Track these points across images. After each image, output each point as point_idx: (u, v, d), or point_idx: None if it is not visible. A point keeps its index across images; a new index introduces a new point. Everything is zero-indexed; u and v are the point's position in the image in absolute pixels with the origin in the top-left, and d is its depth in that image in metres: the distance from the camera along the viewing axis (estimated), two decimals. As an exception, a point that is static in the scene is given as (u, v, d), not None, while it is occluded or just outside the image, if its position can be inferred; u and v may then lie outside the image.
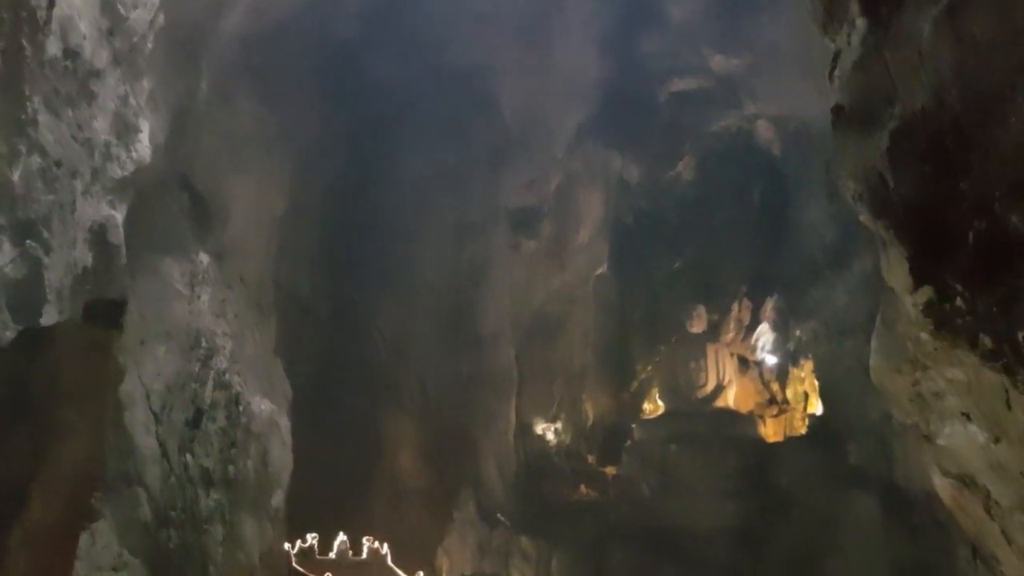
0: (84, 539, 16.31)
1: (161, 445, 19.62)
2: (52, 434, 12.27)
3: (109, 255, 17.72)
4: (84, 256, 17.01)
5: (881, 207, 8.55)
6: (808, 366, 32.66)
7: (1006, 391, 7.78)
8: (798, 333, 33.16)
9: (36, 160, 15.30)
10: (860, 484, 26.87)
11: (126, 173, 18.15)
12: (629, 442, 32.79)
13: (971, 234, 7.70)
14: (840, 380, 29.01)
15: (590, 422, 35.04)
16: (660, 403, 34.97)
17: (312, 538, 25.43)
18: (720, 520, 28.14)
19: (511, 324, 33.01)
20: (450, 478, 31.00)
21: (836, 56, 9.22)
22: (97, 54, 16.94)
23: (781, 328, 34.16)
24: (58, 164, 16.04)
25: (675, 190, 36.29)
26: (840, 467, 28.03)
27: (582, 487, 32.41)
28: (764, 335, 34.77)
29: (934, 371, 9.00)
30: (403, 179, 32.19)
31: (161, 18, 18.58)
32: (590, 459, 34.09)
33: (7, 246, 14.06)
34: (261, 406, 23.18)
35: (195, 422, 20.78)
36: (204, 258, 21.77)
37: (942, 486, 10.20)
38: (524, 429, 32.90)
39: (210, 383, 21.34)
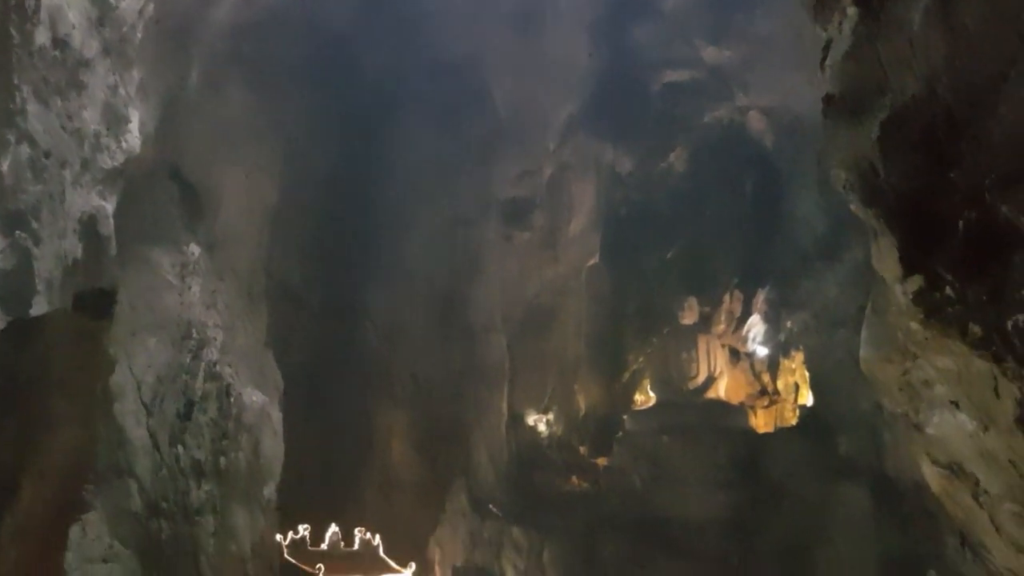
0: (74, 530, 16.27)
1: (152, 436, 19.57)
2: (42, 425, 12.23)
3: (99, 246, 17.70)
4: (74, 247, 16.98)
5: (872, 196, 8.57)
6: (799, 357, 32.71)
7: (995, 379, 7.82)
8: (789, 324, 33.21)
9: (25, 150, 15.25)
10: (850, 475, 26.95)
11: (116, 163, 18.11)
12: (620, 433, 32.82)
13: (961, 224, 7.73)
14: (831, 371, 29.08)
15: (582, 413, 35.05)
16: (651, 394, 35.00)
17: (304, 529, 25.44)
18: (711, 511, 28.20)
19: (503, 315, 33.00)
20: (442, 469, 31.02)
21: (827, 45, 9.23)
22: (87, 44, 16.87)
23: (772, 320, 34.22)
24: (47, 154, 15.99)
25: (667, 181, 36.25)
26: (830, 458, 28.10)
27: (574, 478, 32.42)
28: (755, 326, 34.82)
29: (924, 360, 9.05)
30: (395, 169, 32.15)
31: (151, 7, 18.52)
32: (582, 450, 34.10)
33: (-4, 236, 14.01)
34: (252, 397, 23.14)
35: (186, 413, 20.73)
36: (195, 249, 21.71)
37: (931, 475, 10.27)
38: (516, 420, 32.91)
39: (201, 374, 21.29)
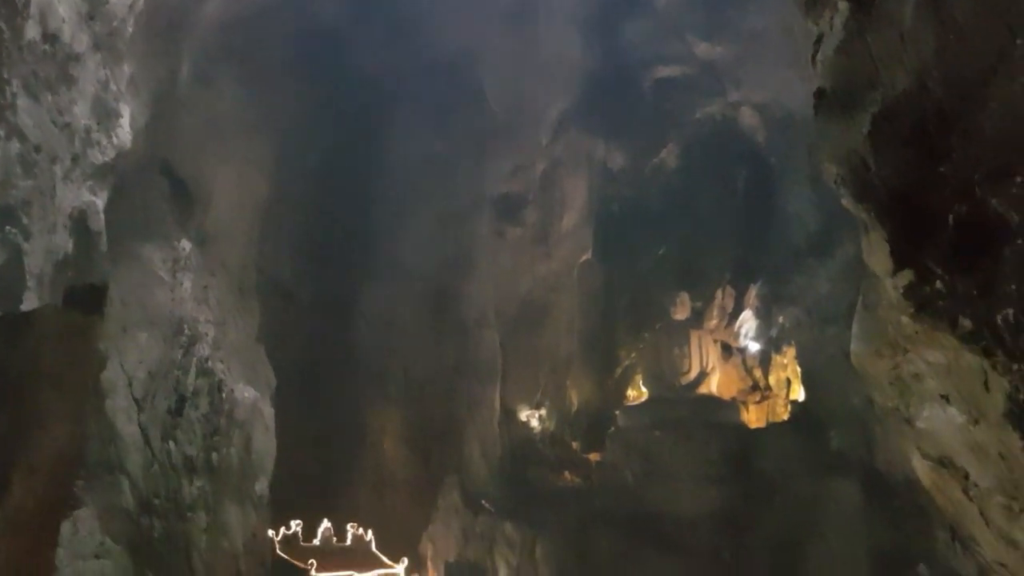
0: (65, 526, 16.22)
1: (143, 432, 19.55)
2: (32, 420, 12.16)
3: (90, 241, 17.65)
4: (64, 242, 16.93)
5: (863, 191, 8.59)
6: (791, 353, 32.77)
7: (985, 373, 7.85)
8: (781, 320, 33.25)
9: (15, 145, 15.20)
10: (842, 470, 27.00)
11: (107, 159, 18.06)
12: (613, 429, 32.85)
13: (952, 217, 7.75)
14: (822, 367, 29.13)
15: (574, 409, 35.06)
16: (644, 389, 35.03)
17: (296, 525, 25.45)
18: (703, 505, 28.22)
19: (496, 311, 33.01)
20: (434, 465, 31.06)
21: (819, 40, 9.24)
22: (77, 38, 16.81)
23: (764, 315, 34.26)
24: (37, 149, 15.93)
25: (659, 177, 36.24)
26: (822, 453, 28.15)
27: (566, 473, 32.45)
28: (747, 322, 34.87)
29: (914, 354, 9.08)
30: (387, 165, 32.13)
31: (141, 2, 18.45)
32: (574, 445, 34.11)
33: (-15, 231, 13.96)
34: (244, 393, 23.11)
35: (178, 409, 20.70)
36: (186, 244, 21.67)
37: (921, 469, 10.30)
38: (509, 416, 32.91)
39: (193, 370, 21.26)
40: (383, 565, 26.55)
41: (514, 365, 33.24)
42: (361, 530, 27.19)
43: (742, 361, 34.83)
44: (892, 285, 8.44)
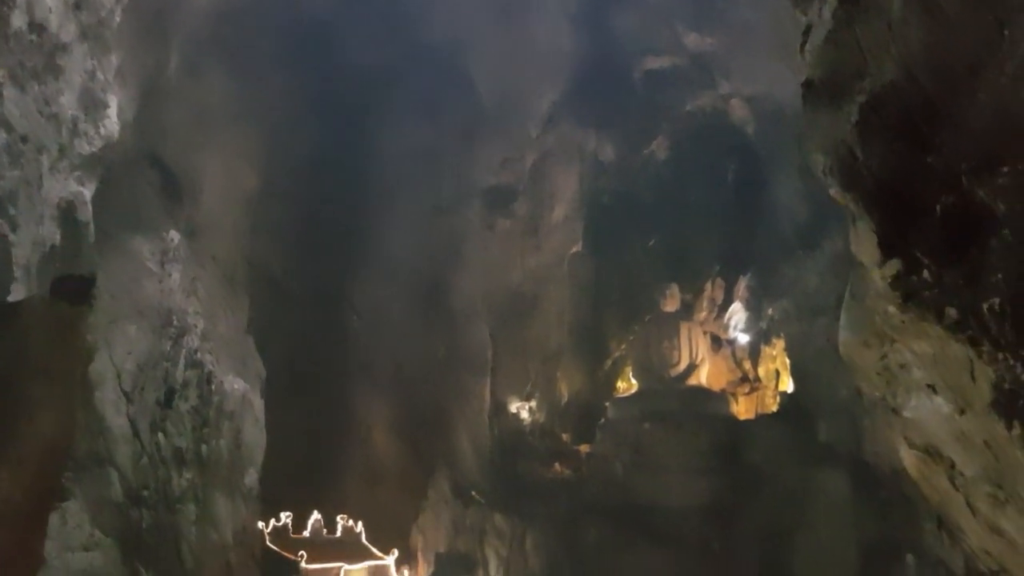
0: (54, 518, 16.18)
1: (132, 424, 19.50)
2: (19, 411, 12.13)
3: (77, 232, 17.55)
4: (52, 233, 16.82)
5: (850, 181, 8.61)
6: (780, 345, 32.86)
7: (971, 362, 7.89)
8: (770, 312, 33.33)
9: (2, 135, 15.11)
10: (830, 461, 27.10)
11: (94, 149, 17.94)
12: (603, 420, 32.91)
13: (939, 208, 7.79)
14: (811, 359, 29.22)
15: (564, 400, 35.11)
16: (634, 381, 35.10)
17: (286, 516, 25.44)
18: (692, 497, 28.32)
19: (486, 303, 32.99)
20: (424, 456, 31.06)
21: (807, 30, 9.24)
22: (64, 28, 16.69)
23: (753, 307, 34.33)
24: (24, 139, 15.83)
25: (649, 169, 36.26)
26: (810, 444, 28.25)
27: (556, 465, 32.51)
28: (737, 314, 34.94)
29: (901, 344, 9.11)
30: (377, 156, 32.01)
31: (129, -9, 18.33)
32: (564, 437, 34.18)
33: (-28, 222, 13.88)
34: (234, 385, 23.06)
35: (167, 401, 20.66)
36: (174, 236, 21.57)
37: (908, 458, 10.36)
38: (499, 408, 32.94)
39: (182, 362, 21.21)
40: (373, 556, 26.57)
41: (504, 357, 33.24)
42: (351, 522, 27.20)
43: (731, 353, 34.91)
44: (879, 275, 8.47)
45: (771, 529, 26.76)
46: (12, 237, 15.32)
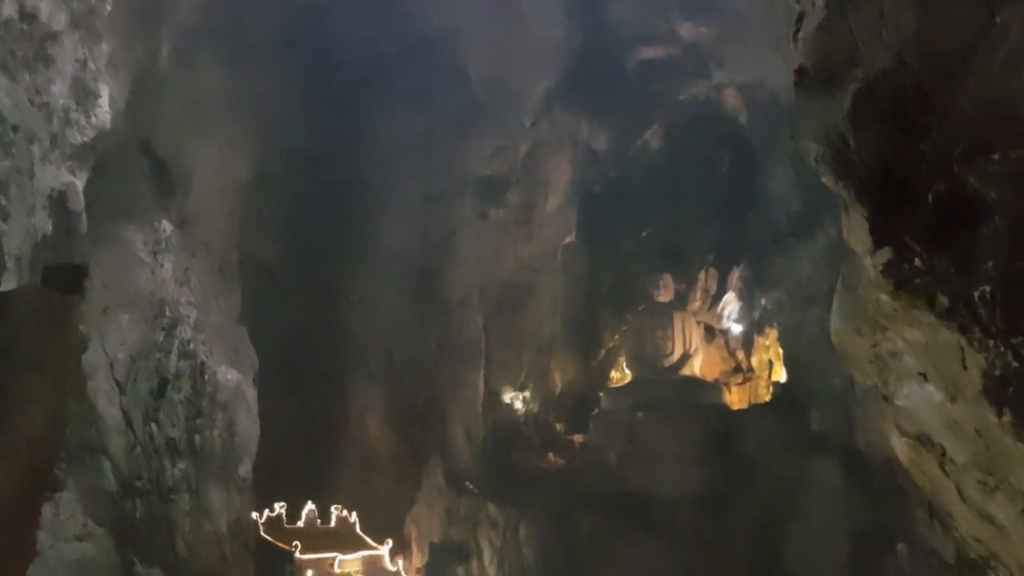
0: (47, 509, 16.15)
1: (125, 415, 19.45)
2: (11, 401, 12.07)
3: (69, 222, 17.46)
4: (44, 223, 16.74)
5: (842, 168, 8.60)
6: (773, 334, 33.00)
7: (962, 350, 7.90)
8: (763, 302, 33.47)
9: (-8, 124, 15.02)
10: (822, 450, 27.26)
11: (86, 139, 17.86)
12: (596, 410, 33.01)
13: (930, 195, 7.78)
14: (804, 348, 29.35)
15: (558, 390, 35.21)
16: (627, 371, 35.21)
17: (280, 507, 25.49)
18: (686, 486, 28.46)
19: (479, 293, 33.03)
20: (418, 446, 31.10)
21: (800, 17, 9.21)
22: (54, 16, 16.59)
23: (747, 297, 34.47)
24: (15, 129, 15.75)
25: (643, 159, 36.29)
26: (803, 434, 28.41)
27: (550, 455, 32.62)
28: (730, 304, 35.06)
29: (893, 332, 9.12)
30: (370, 145, 31.96)
31: (120, -20, 18.22)
32: (558, 427, 34.29)
33: (-37, 212, 13.81)
34: (227, 375, 23.02)
35: (160, 392, 20.60)
36: (167, 225, 21.48)
37: (899, 446, 10.37)
38: (492, 397, 33.01)
39: (174, 352, 21.14)
40: (367, 546, 26.62)
41: (498, 347, 33.30)
42: (345, 512, 27.25)
43: (725, 343, 35.04)
44: (871, 263, 8.47)
45: (764, 518, 26.91)
46: (4, 227, 15.23)
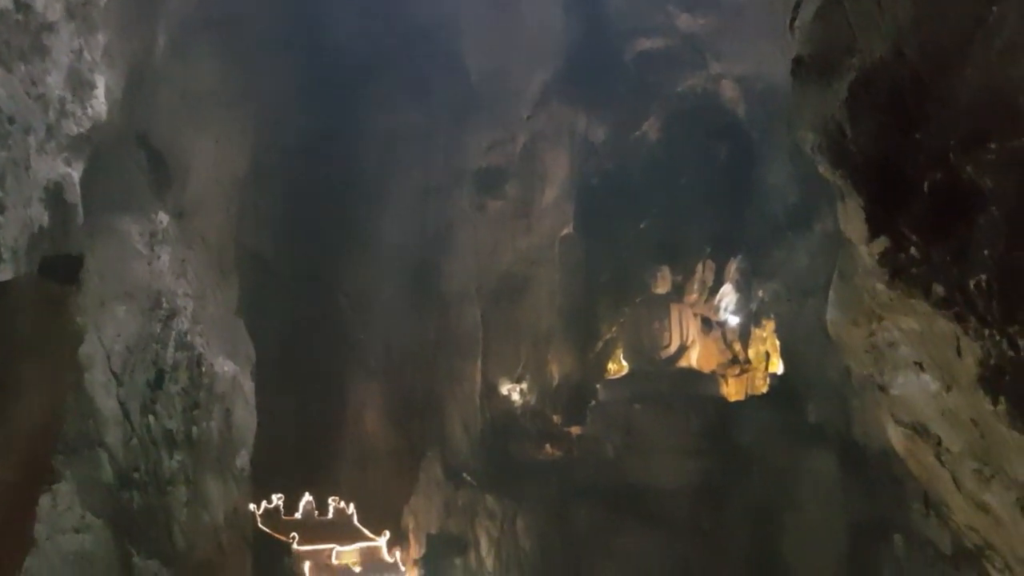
0: (45, 500, 16.19)
1: (122, 406, 19.47)
2: (9, 392, 12.09)
3: (66, 214, 17.40)
4: (40, 215, 16.67)
5: (839, 158, 8.61)
6: (770, 326, 33.00)
7: (957, 339, 7.93)
8: (760, 294, 33.46)
9: (-13, 115, 14.97)
10: (819, 442, 27.26)
11: (82, 130, 17.79)
12: (594, 402, 33.04)
13: (927, 185, 7.80)
14: (801, 340, 29.34)
15: (555, 382, 35.23)
16: (624, 363, 35.22)
17: (278, 499, 25.53)
18: (683, 478, 28.49)
19: (477, 285, 33.01)
20: (416, 438, 31.14)
21: (797, 6, 9.22)
22: (50, 7, 16.51)
23: (744, 289, 34.45)
24: (11, 120, 15.69)
25: (640, 151, 36.23)
26: (800, 425, 28.42)
27: (547, 447, 32.64)
28: (727, 296, 35.05)
29: (889, 321, 9.15)
30: (367, 138, 31.91)
31: (115, -30, 18.14)
32: (555, 419, 34.30)
33: (-41, 203, 13.78)
34: (224, 367, 23.04)
35: (157, 383, 20.62)
36: (163, 217, 21.45)
37: (895, 435, 10.41)
38: (490, 389, 33.02)
39: (171, 344, 21.15)
40: (365, 538, 26.67)
41: (495, 339, 33.30)
42: (343, 503, 27.30)
43: (722, 335, 35.05)
44: (868, 252, 8.49)
45: (760, 509, 26.95)
46: (0, 219, 15.20)
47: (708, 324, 35.13)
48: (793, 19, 9.23)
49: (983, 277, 7.38)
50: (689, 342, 34.17)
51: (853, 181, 8.49)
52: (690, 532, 27.49)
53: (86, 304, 17.82)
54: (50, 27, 16.54)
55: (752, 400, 32.06)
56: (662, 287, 34.84)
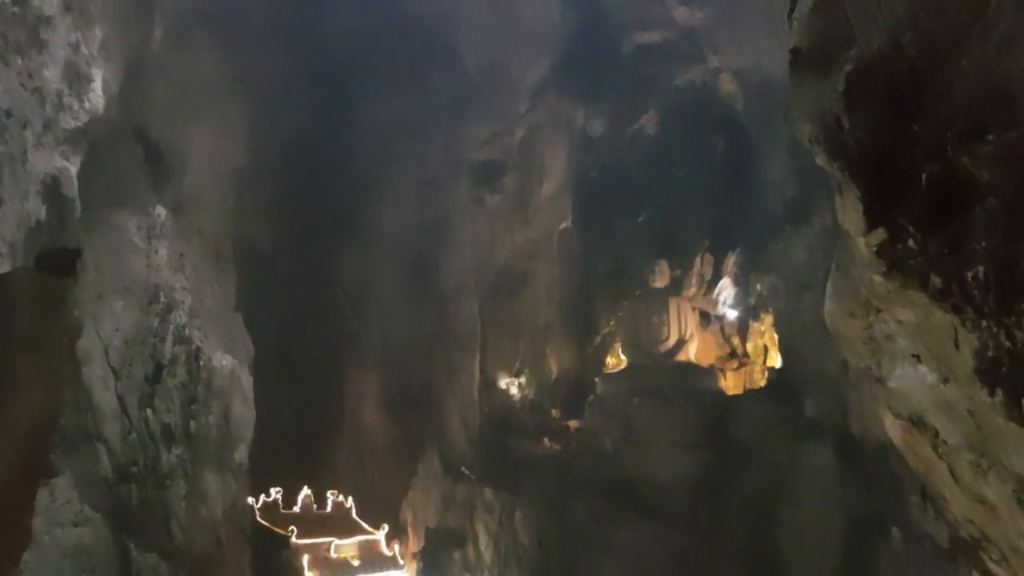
0: (43, 495, 16.17)
1: (120, 401, 19.45)
2: (6, 386, 12.08)
3: (63, 208, 17.38)
4: (37, 209, 16.65)
5: (837, 149, 8.61)
6: (768, 320, 33.04)
7: (954, 330, 7.94)
8: (758, 287, 33.48)
9: (-15, 109, 14.95)
10: (816, 435, 27.31)
11: (79, 124, 17.76)
12: (592, 396, 33.06)
13: (924, 176, 7.80)
14: (798, 334, 29.38)
15: (554, 376, 35.26)
16: (623, 357, 35.24)
17: (276, 492, 25.54)
18: (680, 471, 28.52)
19: (475, 279, 33.01)
20: (414, 432, 31.15)
21: (795, -2, 9.21)
22: (47, 0, 16.49)
23: (742, 283, 34.47)
24: (8, 114, 15.66)
25: (638, 144, 36.20)
26: (797, 419, 28.45)
27: (545, 440, 32.67)
28: (725, 289, 35.07)
29: (886, 313, 9.16)
30: (365, 131, 31.86)
31: (112, -37, 18.10)
32: (553, 413, 34.34)
33: (-44, 197, 13.75)
34: (222, 361, 23.03)
35: (155, 377, 20.60)
36: (161, 211, 21.41)
37: (893, 427, 10.42)
38: (488, 383, 33.04)
39: (169, 338, 21.13)
40: (363, 532, 26.71)
41: (493, 333, 33.31)
42: (341, 497, 27.33)
43: (720, 328, 35.06)
44: (865, 244, 8.49)
45: (758, 503, 26.99)
46: (-3, 212, 15.18)
47: (706, 318, 35.14)
48: (791, 11, 9.22)
49: (980, 269, 7.38)
50: (687, 336, 34.19)
51: (850, 173, 8.49)
52: (688, 525, 27.53)
53: (83, 298, 17.81)
54: (47, 20, 16.51)
55: (750, 394, 32.10)
56: (660, 281, 34.85)
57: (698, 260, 35.66)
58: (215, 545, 21.92)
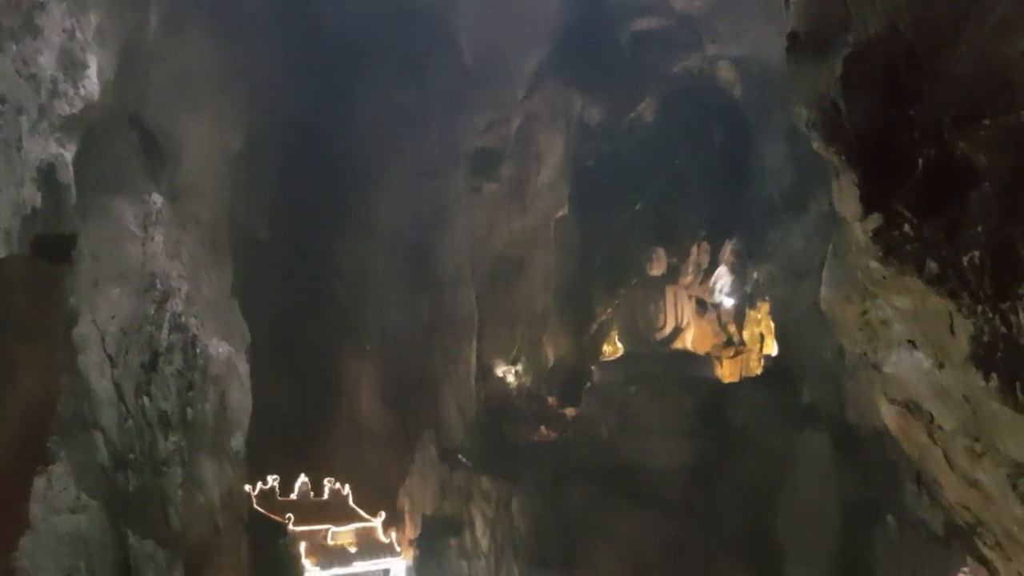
0: (40, 482, 16.18)
1: (117, 388, 19.47)
2: (3, 372, 12.06)
3: (59, 195, 17.34)
4: (32, 196, 16.61)
5: (833, 134, 8.59)
6: (764, 308, 33.05)
7: (950, 316, 7.94)
8: (755, 275, 33.48)
9: (-22, 95, 14.90)
10: (813, 423, 27.34)
11: (74, 110, 17.71)
12: (589, 384, 33.09)
13: (921, 161, 7.79)
14: (795, 322, 29.38)
15: (550, 364, 35.28)
16: (619, 345, 35.26)
17: (273, 479, 25.59)
18: (677, 458, 28.58)
19: (472, 267, 32.96)
20: (411, 420, 31.18)
21: (793, -19, 9.18)
22: (41, -14, 16.42)
23: (739, 271, 34.46)
24: (3, 100, 15.63)
25: (636, 132, 36.09)
26: (794, 406, 28.48)
27: (542, 428, 32.71)
28: (722, 277, 35.06)
29: (882, 299, 9.16)
30: (362, 118, 31.77)
31: (106, -51, 18.01)
32: (550, 400, 34.37)
33: (-50, 183, 13.71)
34: (219, 349, 23.03)
35: (151, 365, 20.61)
36: (157, 198, 21.36)
37: (888, 414, 10.44)
38: (485, 371, 33.04)
39: (166, 325, 21.13)
40: (360, 519, 26.78)
41: (490, 321, 33.30)
42: (338, 484, 27.38)
43: (717, 316, 35.06)
44: (861, 229, 8.49)
45: (754, 490, 27.03)
46: (-8, 199, 15.15)
47: (703, 306, 35.14)
48: (788, -6, 9.20)
49: (976, 254, 7.39)
50: (684, 324, 34.20)
51: (847, 157, 8.48)
52: (684, 512, 27.61)
53: (79, 285, 17.78)
54: (42, 6, 16.46)
55: (746, 381, 32.13)
56: (657, 269, 34.83)
57: (695, 248, 35.62)
58: (212, 532, 21.97)
